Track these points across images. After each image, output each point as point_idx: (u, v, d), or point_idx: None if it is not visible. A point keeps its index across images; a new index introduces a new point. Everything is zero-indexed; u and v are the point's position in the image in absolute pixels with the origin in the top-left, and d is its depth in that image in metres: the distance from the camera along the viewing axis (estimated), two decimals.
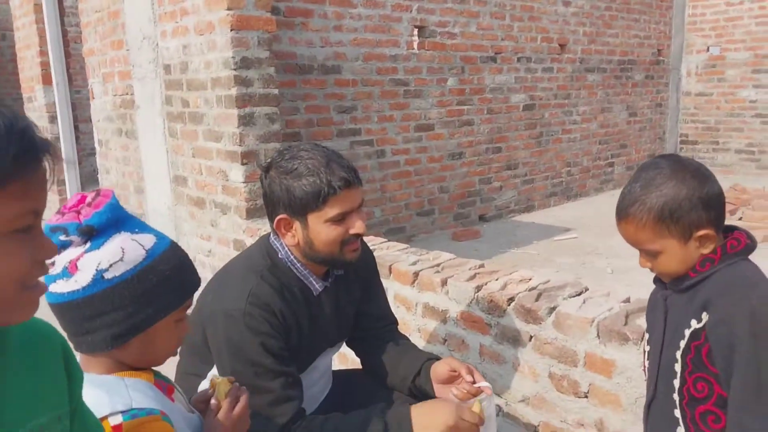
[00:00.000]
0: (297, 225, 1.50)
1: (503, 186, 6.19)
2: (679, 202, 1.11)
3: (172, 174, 3.86)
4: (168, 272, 1.02)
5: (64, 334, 1.01)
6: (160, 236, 1.05)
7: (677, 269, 1.16)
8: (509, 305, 2.09)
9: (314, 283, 1.58)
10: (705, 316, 1.10)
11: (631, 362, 1.79)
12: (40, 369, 0.81)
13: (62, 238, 0.96)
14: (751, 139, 8.17)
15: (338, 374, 1.88)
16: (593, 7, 6.86)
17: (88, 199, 0.99)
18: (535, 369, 2.05)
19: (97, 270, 0.96)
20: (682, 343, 1.14)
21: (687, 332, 1.13)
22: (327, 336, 1.66)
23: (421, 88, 5.23)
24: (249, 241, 3.29)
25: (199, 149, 3.55)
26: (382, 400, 1.74)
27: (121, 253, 0.98)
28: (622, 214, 1.16)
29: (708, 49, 8.45)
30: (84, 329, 0.98)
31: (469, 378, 1.54)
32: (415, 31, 5.15)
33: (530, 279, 2.25)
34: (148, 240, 1.02)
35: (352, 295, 1.73)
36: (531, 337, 2.04)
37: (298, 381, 1.49)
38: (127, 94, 4.21)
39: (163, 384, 1.08)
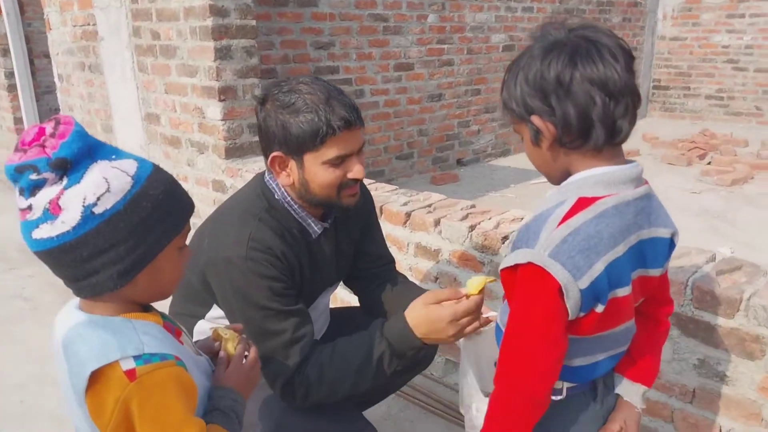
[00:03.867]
0: (293, 164, 1.41)
1: (481, 130, 6.13)
2: None
3: (144, 112, 3.67)
4: (161, 196, 0.93)
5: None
6: (140, 160, 0.94)
7: None
8: (503, 243, 2.06)
9: (313, 225, 1.51)
10: None
11: None
12: None
13: (33, 177, 0.84)
14: (722, 84, 8.22)
15: (335, 312, 1.84)
16: None
17: (49, 129, 0.86)
18: None
19: (84, 206, 0.85)
20: None
21: None
22: (327, 276, 1.61)
23: (400, 24, 5.06)
24: (229, 182, 3.18)
25: (172, 85, 3.37)
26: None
27: (105, 183, 0.86)
28: None
29: None
30: (85, 272, 0.89)
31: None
32: None
33: (522, 218, 2.22)
34: (130, 165, 0.91)
35: (351, 236, 1.67)
36: None
37: (308, 318, 1.45)
38: (88, 24, 3.94)
39: (171, 326, 1.01)
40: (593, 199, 0.99)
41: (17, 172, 0.84)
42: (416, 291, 1.69)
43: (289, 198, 1.47)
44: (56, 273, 0.92)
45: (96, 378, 0.87)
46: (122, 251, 0.89)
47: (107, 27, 3.73)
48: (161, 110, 3.53)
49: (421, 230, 2.29)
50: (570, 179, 1.04)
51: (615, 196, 0.99)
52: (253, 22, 3.14)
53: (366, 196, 1.73)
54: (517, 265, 0.99)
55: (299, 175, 1.41)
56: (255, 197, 1.48)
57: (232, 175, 3.14)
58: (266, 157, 1.44)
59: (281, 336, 1.37)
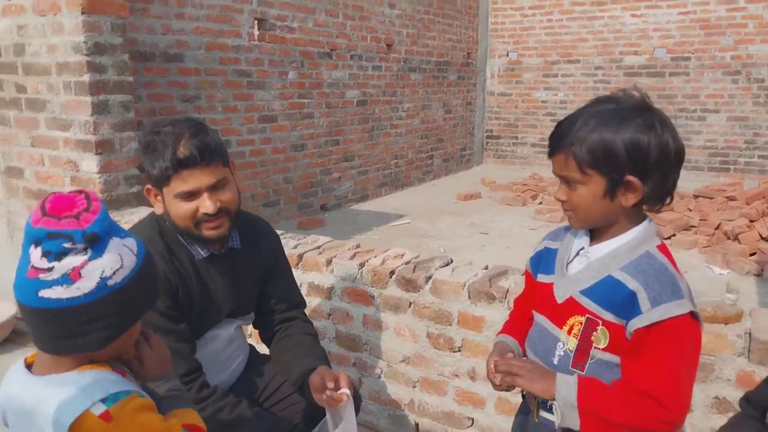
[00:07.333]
0: (160, 196, 1.60)
1: (341, 177, 6.49)
2: None
3: (3, 166, 3.51)
4: (152, 273, 1.08)
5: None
6: (136, 238, 1.07)
7: None
8: (391, 277, 2.35)
9: (198, 249, 1.66)
10: None
11: (497, 317, 2.15)
12: None
13: (66, 245, 0.94)
14: (543, 134, 9.42)
15: (264, 357, 1.97)
16: (415, 10, 7.44)
17: (81, 203, 0.97)
18: (414, 331, 2.34)
19: (101, 277, 0.96)
20: None
21: None
22: (221, 305, 1.72)
23: (263, 80, 5.31)
24: None
25: (40, 138, 3.29)
26: (285, 391, 1.85)
27: (120, 260, 0.99)
28: None
29: (507, 55, 9.58)
30: (76, 332, 0.98)
31: (330, 385, 1.57)
32: (256, 23, 5.21)
33: (403, 254, 2.54)
34: (133, 244, 1.04)
35: (253, 272, 1.80)
36: (410, 303, 2.32)
37: (188, 338, 1.60)
38: None
39: (118, 369, 1.09)
40: (663, 245, 1.21)
41: (48, 238, 0.94)
42: (303, 361, 1.74)
43: (173, 224, 1.62)
44: (40, 329, 0.98)
45: (73, 431, 0.94)
46: (116, 319, 1.01)
47: None
48: (25, 164, 3.41)
49: (313, 270, 2.51)
50: (637, 232, 1.21)
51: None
52: (130, 78, 3.21)
53: (269, 236, 1.90)
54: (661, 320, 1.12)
55: (165, 206, 1.60)
56: (147, 224, 1.66)
57: None
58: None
59: None
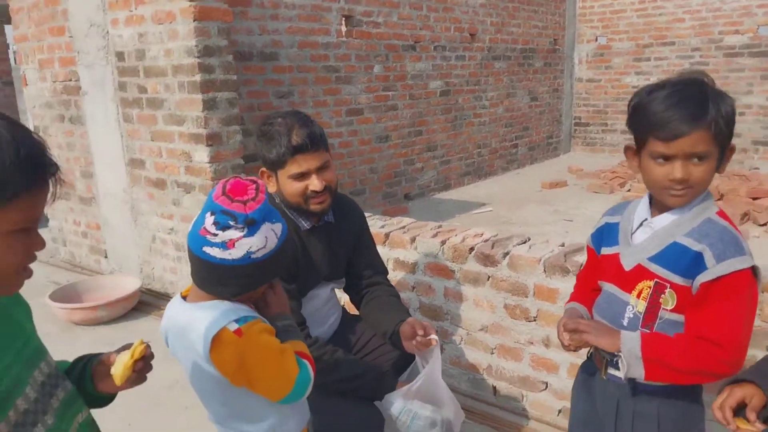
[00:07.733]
0: (273, 177, 1.88)
1: (424, 167, 6.70)
2: None
3: (128, 158, 3.98)
4: (286, 251, 1.34)
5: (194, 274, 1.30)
6: (282, 222, 1.33)
7: None
8: (470, 253, 2.54)
9: (303, 222, 1.94)
10: None
11: (571, 289, 2.28)
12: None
13: (230, 222, 1.20)
14: None
15: (355, 317, 2.24)
16: None
17: (251, 192, 1.23)
18: (492, 302, 2.51)
19: (247, 251, 1.22)
20: None
21: None
22: (321, 269, 2.00)
23: (351, 75, 5.60)
24: None
25: (159, 133, 3.72)
26: (374, 344, 2.12)
27: (265, 241, 1.24)
28: None
29: (596, 39, 9.40)
30: (219, 282, 1.27)
31: (420, 332, 1.81)
32: (343, 20, 5.50)
33: (482, 234, 2.72)
34: (279, 228, 1.30)
35: (344, 242, 2.07)
36: (488, 277, 2.50)
37: (296, 297, 1.88)
38: (70, 80, 4.24)
39: (248, 304, 1.37)
40: (721, 212, 1.34)
41: (221, 213, 1.22)
42: (392, 314, 1.99)
43: (284, 200, 1.90)
44: (197, 270, 1.29)
45: (215, 342, 1.24)
46: (250, 281, 1.30)
47: (91, 82, 4.05)
48: (146, 156, 3.86)
49: (399, 247, 2.74)
50: (702, 200, 1.34)
51: None
52: (235, 77, 3.56)
53: (354, 213, 2.15)
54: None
55: (277, 185, 1.89)
56: None
57: None
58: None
59: None
